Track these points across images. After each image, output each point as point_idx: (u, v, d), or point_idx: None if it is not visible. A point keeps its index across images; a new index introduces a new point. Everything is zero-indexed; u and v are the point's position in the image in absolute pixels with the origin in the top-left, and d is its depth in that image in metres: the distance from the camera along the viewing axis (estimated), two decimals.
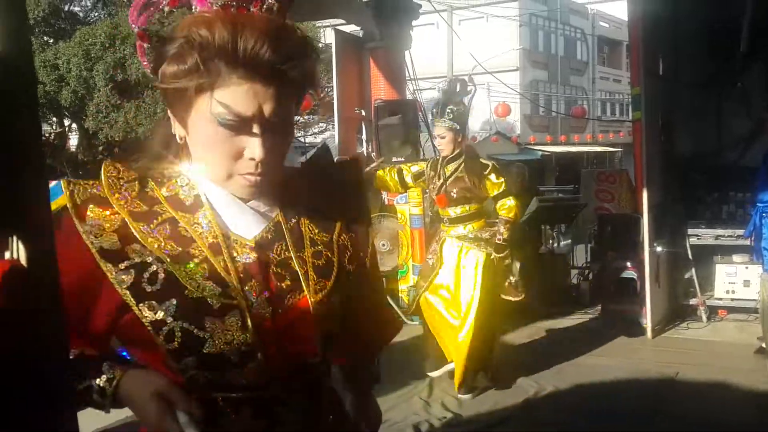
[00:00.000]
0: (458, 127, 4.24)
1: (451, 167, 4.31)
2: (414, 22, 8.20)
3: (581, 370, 4.87)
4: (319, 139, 29.25)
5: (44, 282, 0.69)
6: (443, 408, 4.23)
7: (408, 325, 5.16)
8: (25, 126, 0.66)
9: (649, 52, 5.80)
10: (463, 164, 4.27)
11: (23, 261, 0.65)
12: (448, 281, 4.36)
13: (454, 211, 4.34)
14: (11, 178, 0.64)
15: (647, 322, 5.62)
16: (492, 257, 4.28)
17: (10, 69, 0.63)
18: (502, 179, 4.27)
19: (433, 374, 4.56)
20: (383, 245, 6.10)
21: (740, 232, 5.49)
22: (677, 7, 6.42)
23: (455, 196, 4.28)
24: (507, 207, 4.24)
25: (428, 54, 13.26)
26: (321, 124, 25.47)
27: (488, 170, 4.26)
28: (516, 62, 30.82)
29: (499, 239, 4.24)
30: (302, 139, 28.11)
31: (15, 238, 0.65)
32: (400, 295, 6.30)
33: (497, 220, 4.33)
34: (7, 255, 0.65)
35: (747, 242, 5.39)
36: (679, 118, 6.63)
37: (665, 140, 6.41)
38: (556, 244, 7.13)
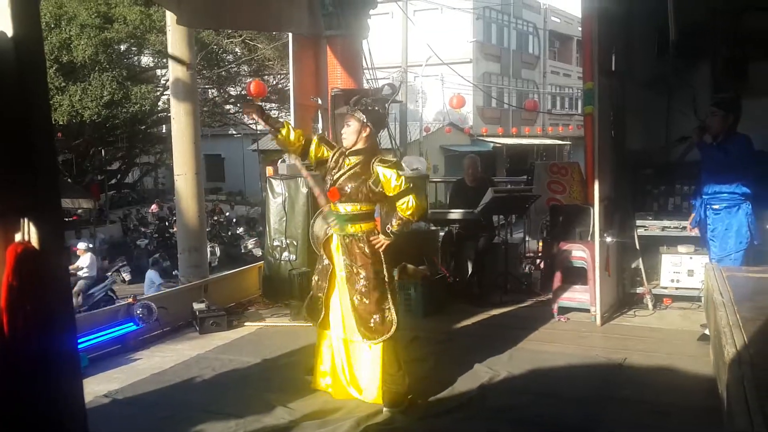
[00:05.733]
0: (365, 120, 4.08)
1: (350, 161, 4.11)
2: (370, 12, 8.17)
3: (533, 357, 4.98)
4: None
5: (54, 262, 0.70)
6: None
7: None
8: (36, 108, 0.67)
9: (602, 48, 5.89)
10: (362, 161, 4.08)
11: (34, 242, 0.66)
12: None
13: (345, 208, 4.12)
14: (22, 160, 0.64)
15: (596, 309, 5.79)
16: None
17: (22, 50, 0.63)
18: (402, 180, 4.05)
19: None
20: None
21: (685, 223, 5.67)
22: (630, 6, 6.58)
23: (348, 191, 4.07)
24: (406, 205, 4.07)
25: (382, 44, 13.18)
26: (274, 112, 25.12)
27: (387, 167, 4.05)
28: (469, 54, 31.07)
29: (388, 228, 4.13)
30: (254, 126, 27.69)
31: (26, 220, 0.65)
32: None
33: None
34: (18, 237, 0.65)
35: (692, 233, 5.60)
36: (629, 114, 6.79)
37: (615, 135, 6.58)
38: (509, 235, 7.23)
